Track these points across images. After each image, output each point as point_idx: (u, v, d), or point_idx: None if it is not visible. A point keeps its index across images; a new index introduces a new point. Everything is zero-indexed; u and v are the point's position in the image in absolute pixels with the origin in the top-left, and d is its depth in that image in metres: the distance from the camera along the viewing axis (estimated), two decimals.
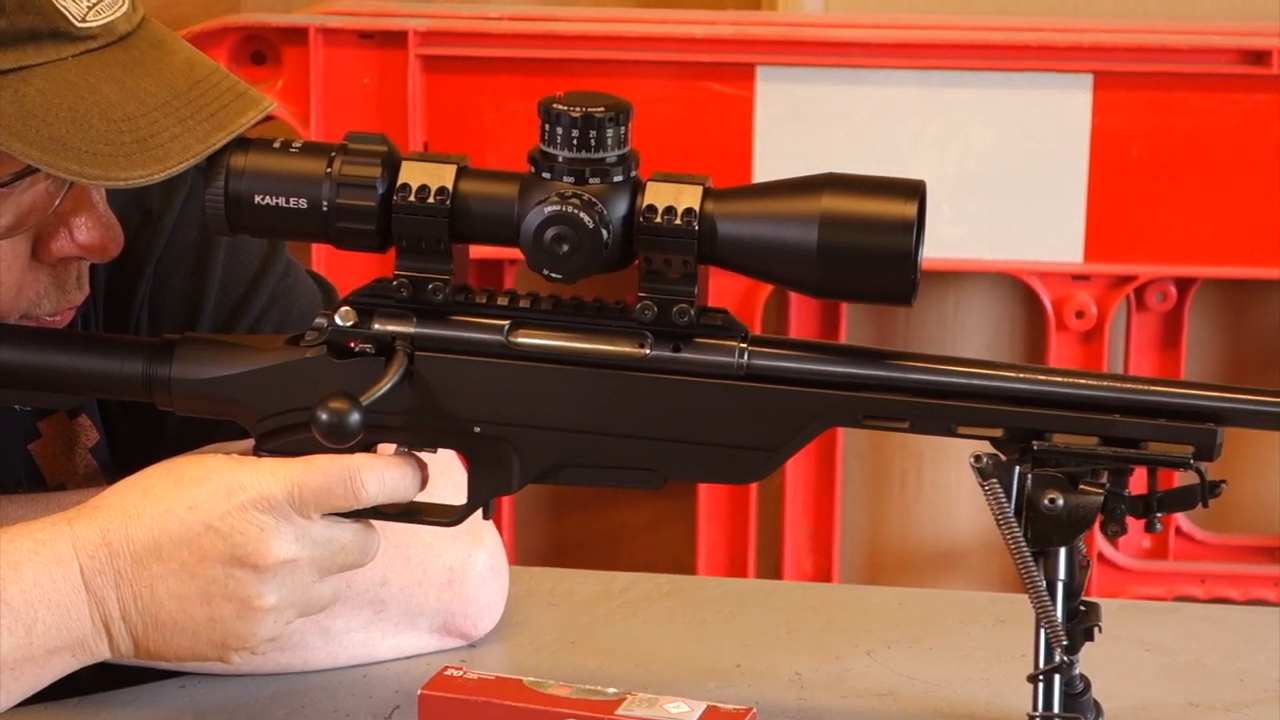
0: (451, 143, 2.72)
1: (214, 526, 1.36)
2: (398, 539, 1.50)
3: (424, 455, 1.43)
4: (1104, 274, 2.74)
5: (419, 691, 1.35)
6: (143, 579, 1.38)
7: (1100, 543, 2.79)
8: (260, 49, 2.80)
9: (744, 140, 2.71)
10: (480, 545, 1.60)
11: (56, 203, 1.44)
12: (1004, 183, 2.70)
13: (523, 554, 2.95)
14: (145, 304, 1.62)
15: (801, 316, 2.81)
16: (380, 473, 1.38)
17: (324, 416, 1.34)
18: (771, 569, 2.86)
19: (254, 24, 2.79)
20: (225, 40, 2.79)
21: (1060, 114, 2.68)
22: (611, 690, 1.33)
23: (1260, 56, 2.65)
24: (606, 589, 1.80)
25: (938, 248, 2.68)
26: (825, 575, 2.86)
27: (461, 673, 1.36)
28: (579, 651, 1.65)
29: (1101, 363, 2.74)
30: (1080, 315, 2.74)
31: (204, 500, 1.37)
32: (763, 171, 2.71)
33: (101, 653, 1.40)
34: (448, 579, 1.59)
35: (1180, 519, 2.89)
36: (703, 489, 2.82)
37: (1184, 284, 2.80)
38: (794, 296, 2.79)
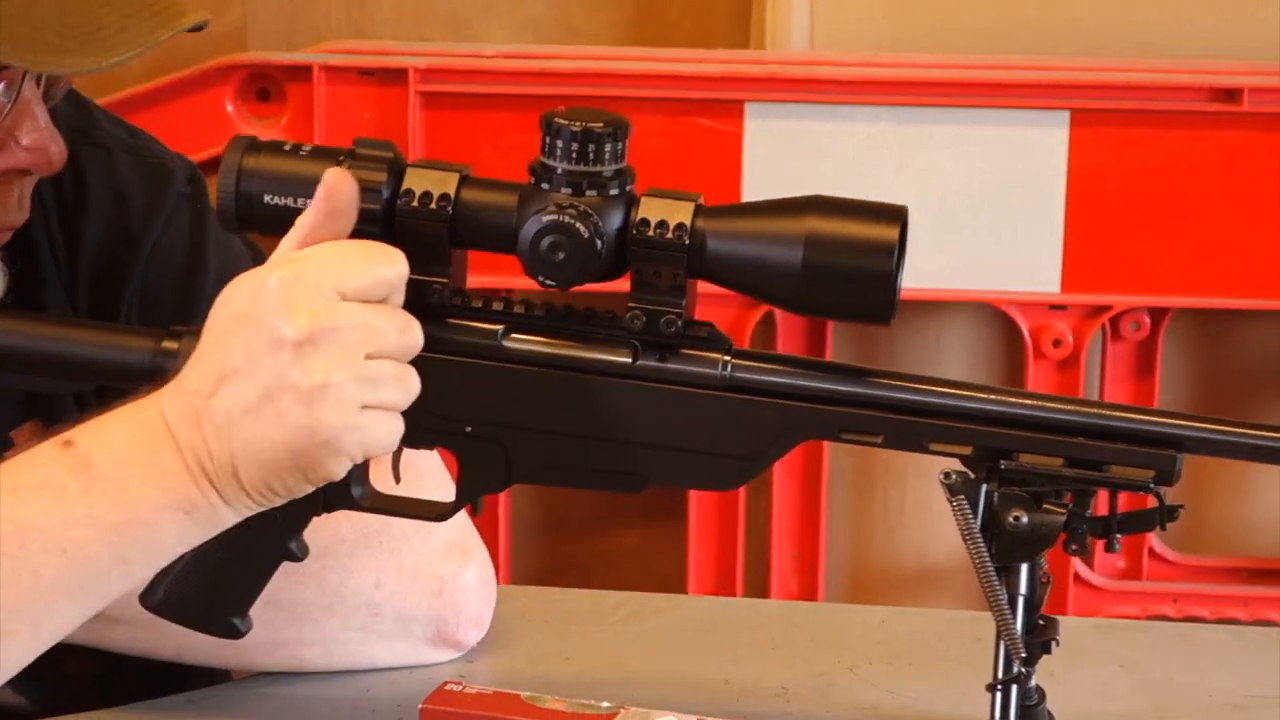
0: None
1: (247, 314, 1.30)
2: (391, 545, 1.49)
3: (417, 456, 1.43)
4: (1080, 304, 2.74)
5: (420, 705, 1.35)
6: (217, 407, 1.30)
7: (1076, 564, 2.79)
8: (265, 86, 2.80)
9: (733, 173, 2.72)
10: (470, 558, 1.61)
11: (4, 114, 1.43)
12: (983, 215, 2.71)
13: (518, 574, 2.95)
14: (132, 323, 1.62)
15: (788, 339, 2.82)
16: (401, 264, 1.32)
17: None
18: (758, 588, 2.86)
19: (260, 62, 2.80)
20: (232, 77, 2.79)
21: (1038, 149, 2.69)
22: (605, 704, 1.34)
23: (1231, 94, 2.66)
24: (599, 607, 1.81)
25: (919, 278, 2.67)
26: (810, 594, 2.86)
27: (461, 687, 1.36)
28: (574, 667, 1.65)
29: (1078, 390, 2.74)
30: (1057, 344, 2.75)
31: (240, 301, 1.31)
32: None
33: (213, 504, 1.32)
34: (439, 588, 1.59)
35: (1153, 541, 2.89)
36: (692, 510, 2.82)
37: (1158, 314, 2.81)
38: (781, 319, 2.80)
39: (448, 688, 1.36)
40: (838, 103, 2.69)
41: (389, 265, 1.32)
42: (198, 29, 1.49)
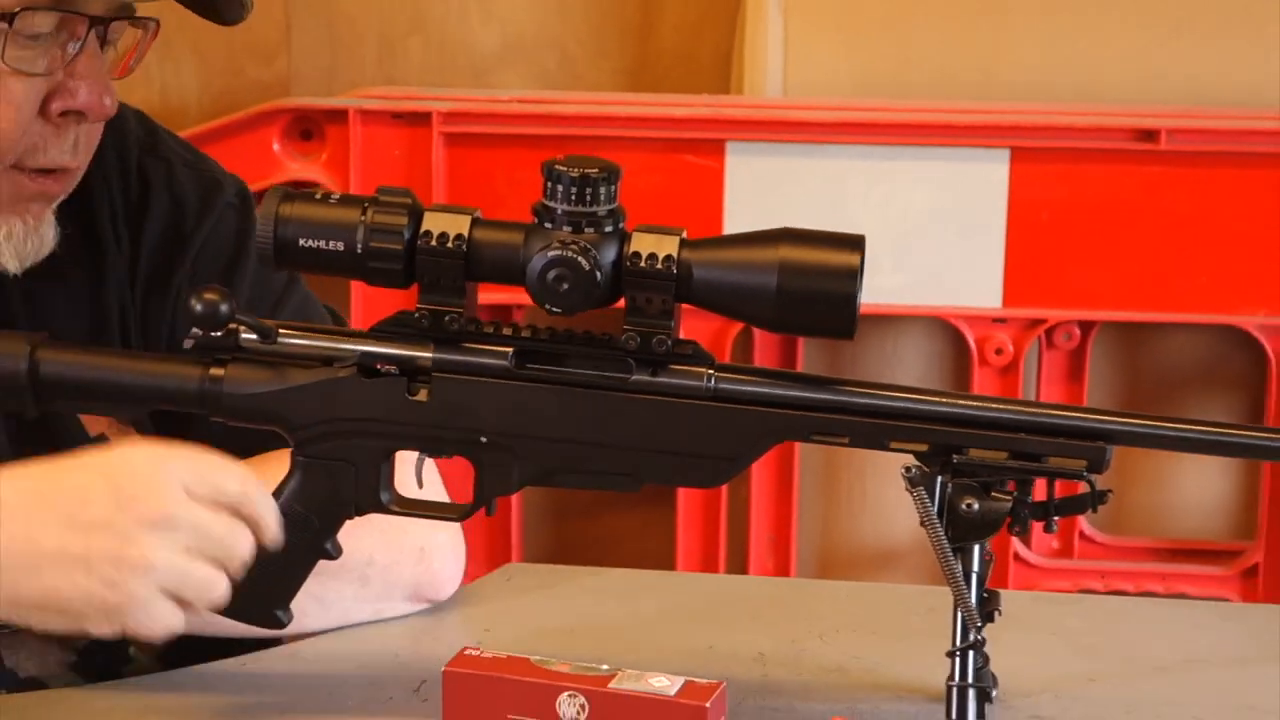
0: (468, 205, 2.72)
1: (106, 472, 1.31)
2: (381, 524, 1.49)
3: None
4: (1019, 317, 2.74)
5: (443, 668, 1.35)
6: (27, 519, 1.29)
7: (1015, 544, 2.79)
8: (308, 127, 2.79)
9: (716, 204, 2.71)
10: (444, 528, 1.61)
11: (69, 60, 1.45)
12: (935, 240, 2.70)
13: (530, 554, 2.94)
14: (176, 312, 1.63)
15: (764, 349, 2.81)
16: (268, 496, 1.36)
17: (198, 306, 1.36)
18: (738, 566, 2.86)
19: (302, 106, 2.79)
20: (278, 120, 2.78)
21: (982, 182, 2.69)
22: (605, 667, 1.33)
23: (1150, 134, 2.65)
24: (600, 583, 1.81)
25: (878, 295, 2.68)
26: (784, 571, 2.86)
27: (479, 652, 1.36)
28: (577, 635, 1.65)
29: (1017, 392, 2.73)
30: (999, 352, 2.74)
31: (98, 455, 1.33)
32: (732, 230, 2.70)
33: None
34: (419, 556, 1.61)
35: (1083, 524, 2.88)
36: (681, 499, 2.82)
37: (1086, 326, 2.80)
38: (757, 334, 2.79)
39: (467, 652, 1.36)
40: (808, 142, 2.69)
41: (234, 481, 1.33)
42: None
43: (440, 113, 2.74)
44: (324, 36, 2.98)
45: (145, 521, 1.30)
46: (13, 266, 1.53)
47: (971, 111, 2.70)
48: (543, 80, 2.96)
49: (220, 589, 1.33)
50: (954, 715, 1.38)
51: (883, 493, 2.96)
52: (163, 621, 1.32)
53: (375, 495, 1.42)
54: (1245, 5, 2.72)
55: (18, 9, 1.43)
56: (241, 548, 1.34)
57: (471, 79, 2.97)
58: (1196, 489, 2.93)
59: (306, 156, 2.79)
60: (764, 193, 2.71)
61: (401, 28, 2.98)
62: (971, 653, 1.39)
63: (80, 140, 1.52)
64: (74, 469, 1.33)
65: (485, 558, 2.79)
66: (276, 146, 2.79)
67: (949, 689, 1.39)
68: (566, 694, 1.31)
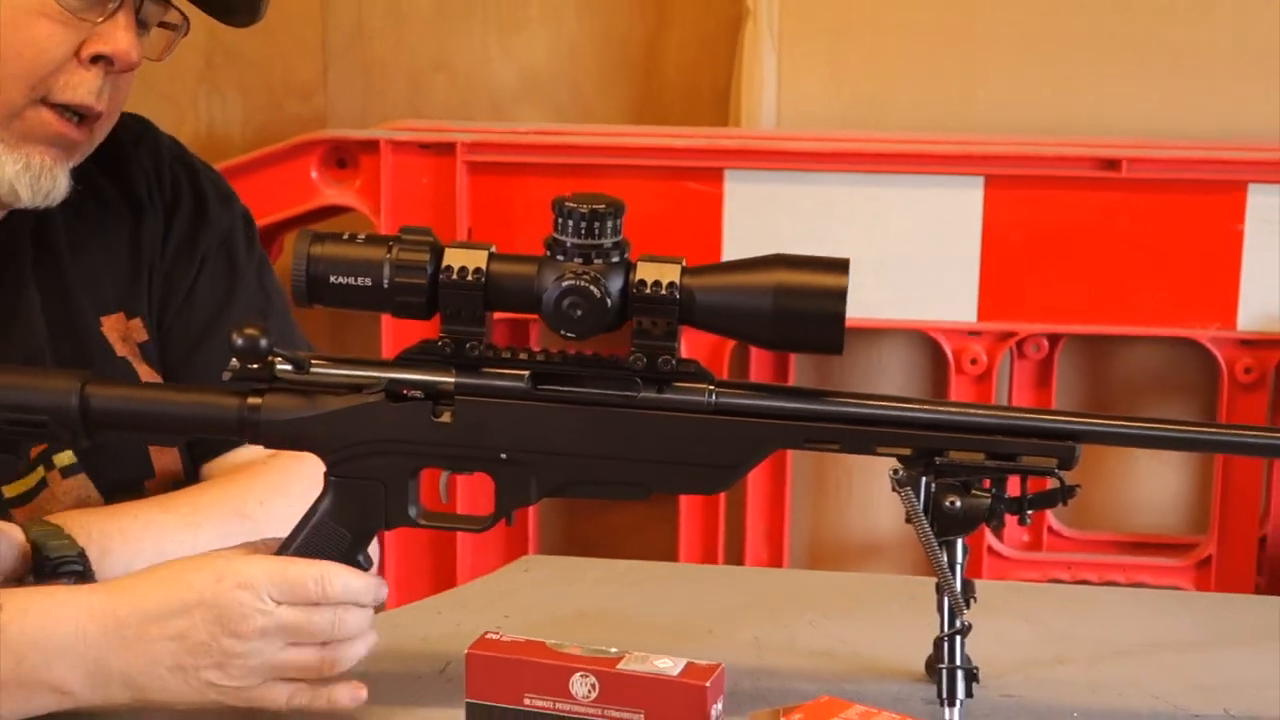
0: (489, 227, 2.72)
1: (205, 600, 1.35)
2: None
3: None
4: (992, 330, 2.73)
5: (466, 650, 1.35)
6: (144, 641, 1.35)
7: (989, 537, 2.78)
8: (343, 156, 2.79)
9: (715, 227, 2.71)
10: None
11: (106, 15, 1.52)
12: (916, 260, 2.70)
13: (545, 547, 2.94)
14: (199, 276, 1.69)
15: (759, 364, 2.81)
16: (345, 578, 1.38)
17: (239, 341, 1.37)
18: (736, 558, 2.85)
19: (338, 138, 2.79)
20: (316, 149, 2.78)
21: (958, 207, 2.68)
22: (613, 649, 1.33)
23: (1112, 163, 2.65)
24: (609, 573, 1.81)
25: (864, 310, 2.68)
26: (777, 562, 2.85)
27: (499, 636, 1.36)
28: (588, 620, 1.65)
29: (990, 399, 2.73)
30: (974, 362, 2.74)
31: (198, 582, 1.36)
32: (730, 251, 2.71)
33: (85, 699, 1.36)
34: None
35: (1051, 519, 2.88)
36: (683, 498, 2.81)
37: (1054, 338, 2.80)
38: (752, 349, 2.79)
39: (488, 636, 1.36)
40: (799, 169, 2.69)
41: (311, 581, 1.37)
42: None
43: (464, 143, 2.74)
44: (358, 75, 2.99)
45: (240, 638, 1.35)
46: (25, 196, 1.56)
47: (949, 142, 2.70)
48: (557, 113, 2.96)
49: (332, 662, 1.39)
50: (945, 695, 1.38)
51: (868, 491, 2.96)
52: (277, 702, 1.38)
53: (404, 510, 1.41)
54: (1196, 49, 2.72)
55: None
56: (338, 626, 1.38)
57: (492, 112, 2.97)
58: (1155, 488, 2.93)
59: (341, 183, 2.79)
60: (759, 216, 2.70)
61: (428, 66, 2.98)
62: (961, 637, 1.38)
63: (106, 89, 1.56)
64: (179, 603, 1.36)
65: (504, 551, 2.79)
66: (314, 174, 2.79)
67: (939, 671, 1.38)
68: (578, 674, 1.31)
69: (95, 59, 1.53)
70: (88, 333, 1.63)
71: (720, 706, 1.30)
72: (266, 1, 1.61)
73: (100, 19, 1.52)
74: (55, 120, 1.54)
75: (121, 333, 1.65)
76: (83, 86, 1.53)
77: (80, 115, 1.56)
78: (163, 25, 1.61)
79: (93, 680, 1.35)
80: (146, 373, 1.66)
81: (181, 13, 1.61)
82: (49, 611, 1.35)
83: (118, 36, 1.53)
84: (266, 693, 1.37)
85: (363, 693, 1.40)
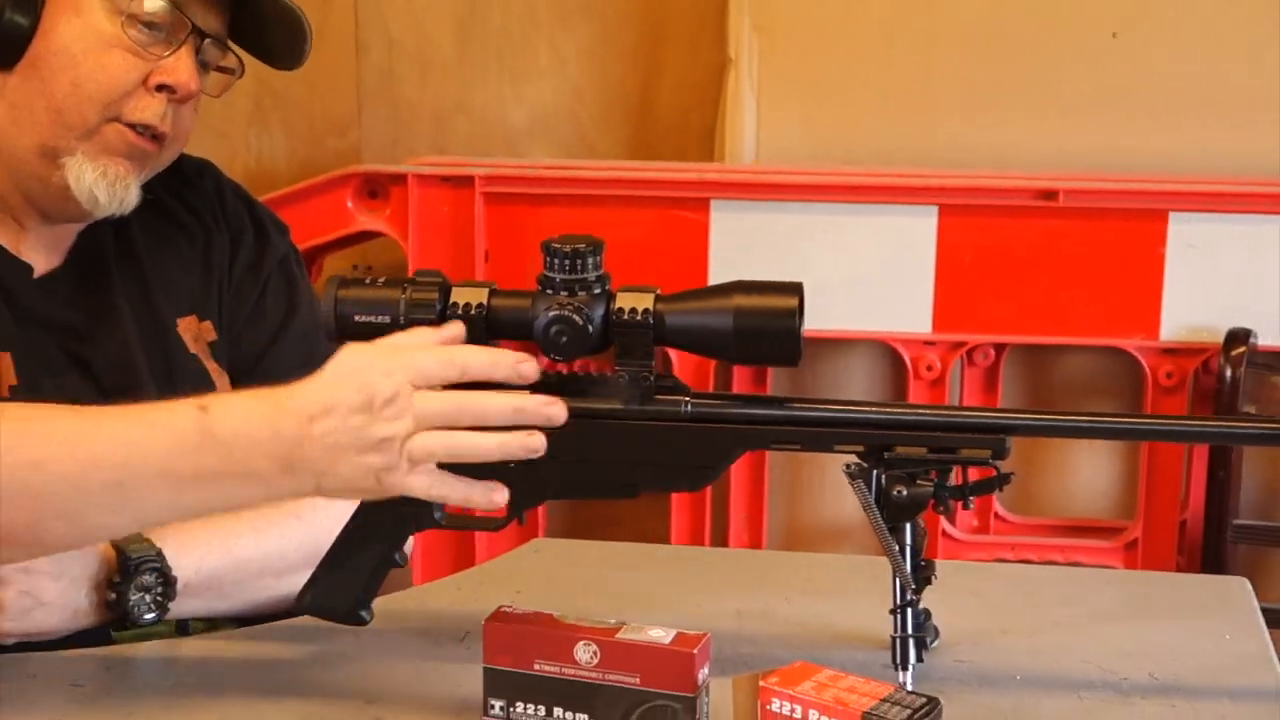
0: (504, 253, 2.72)
1: (353, 372, 1.31)
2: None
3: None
4: (946, 340, 2.73)
5: (483, 622, 1.35)
6: (315, 433, 1.30)
7: (943, 523, 2.78)
8: (375, 188, 2.79)
9: (702, 251, 2.70)
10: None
11: (171, 49, 1.56)
12: (878, 279, 2.70)
13: (553, 531, 2.93)
14: (265, 293, 1.70)
15: (740, 375, 2.81)
16: (477, 353, 1.33)
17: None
18: (720, 541, 2.85)
19: (371, 171, 2.79)
20: (350, 182, 2.78)
21: (916, 233, 2.68)
22: (613, 621, 1.33)
23: (1051, 194, 2.65)
24: (609, 554, 1.81)
25: (833, 323, 2.68)
26: (757, 544, 2.85)
27: (512, 609, 1.35)
28: (590, 596, 1.65)
29: (944, 402, 2.73)
30: (930, 369, 2.74)
31: (355, 360, 1.32)
32: (716, 269, 2.70)
33: (282, 489, 1.32)
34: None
35: (997, 506, 2.88)
36: None
37: (1000, 347, 2.79)
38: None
39: (502, 609, 1.35)
40: (777, 200, 2.68)
41: (433, 363, 1.32)
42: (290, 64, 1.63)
43: (481, 176, 2.73)
44: (388, 114, 2.99)
45: (373, 412, 1.30)
46: (103, 198, 1.57)
47: (907, 175, 2.70)
48: (563, 149, 2.96)
49: (475, 445, 1.32)
50: (898, 660, 1.39)
51: (838, 481, 2.92)
52: (412, 485, 1.32)
53: (430, 514, 1.42)
54: (1126, 90, 2.73)
55: None
56: (460, 412, 1.32)
57: (506, 149, 2.97)
58: (1089, 478, 2.92)
59: (373, 212, 2.79)
60: (741, 241, 2.70)
61: (450, 107, 2.98)
62: (909, 610, 1.39)
63: (169, 114, 1.58)
64: (319, 380, 1.32)
65: (516, 535, 2.78)
66: (349, 204, 2.79)
67: (893, 640, 1.39)
68: (582, 643, 1.31)
69: (160, 88, 1.56)
70: (167, 332, 1.64)
71: (707, 671, 1.30)
72: (308, 48, 1.62)
73: (166, 53, 1.56)
74: (129, 133, 1.57)
75: (194, 333, 1.67)
76: (149, 110, 1.56)
77: (151, 134, 1.58)
78: (220, 69, 1.63)
79: (287, 471, 1.31)
80: (214, 369, 1.67)
81: (238, 57, 1.63)
82: (250, 412, 1.32)
83: (179, 69, 1.56)
84: (412, 481, 1.31)
85: (500, 496, 1.35)
